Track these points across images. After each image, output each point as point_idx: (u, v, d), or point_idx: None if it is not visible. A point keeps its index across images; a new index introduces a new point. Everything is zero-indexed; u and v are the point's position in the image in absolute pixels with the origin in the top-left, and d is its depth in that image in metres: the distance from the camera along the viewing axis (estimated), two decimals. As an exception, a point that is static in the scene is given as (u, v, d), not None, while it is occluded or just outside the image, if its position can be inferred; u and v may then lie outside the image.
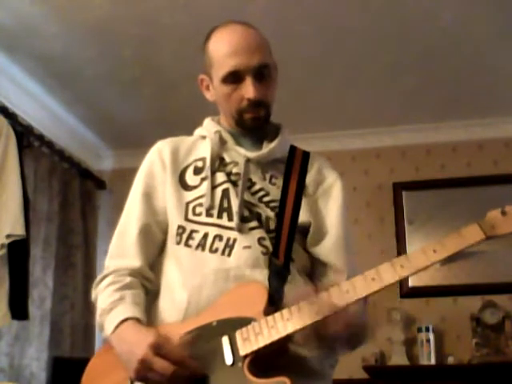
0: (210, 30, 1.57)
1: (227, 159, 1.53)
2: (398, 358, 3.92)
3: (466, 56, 3.58)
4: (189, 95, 3.92)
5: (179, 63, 3.59)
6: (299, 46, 3.45)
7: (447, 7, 3.16)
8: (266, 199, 1.48)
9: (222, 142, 1.55)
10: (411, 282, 4.07)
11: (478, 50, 3.52)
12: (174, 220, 1.49)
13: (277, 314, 1.27)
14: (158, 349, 1.26)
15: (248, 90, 1.46)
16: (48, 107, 4.05)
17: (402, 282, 3.98)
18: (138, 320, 1.37)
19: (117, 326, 1.36)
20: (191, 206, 1.48)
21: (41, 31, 3.32)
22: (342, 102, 4.11)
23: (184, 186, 1.52)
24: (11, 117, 3.56)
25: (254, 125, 1.51)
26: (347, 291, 1.25)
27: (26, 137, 3.70)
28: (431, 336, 3.91)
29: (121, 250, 1.51)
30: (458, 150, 4.37)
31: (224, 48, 1.49)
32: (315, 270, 1.50)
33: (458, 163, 4.33)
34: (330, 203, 1.52)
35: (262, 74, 1.49)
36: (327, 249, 1.48)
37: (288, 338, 1.26)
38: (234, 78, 1.47)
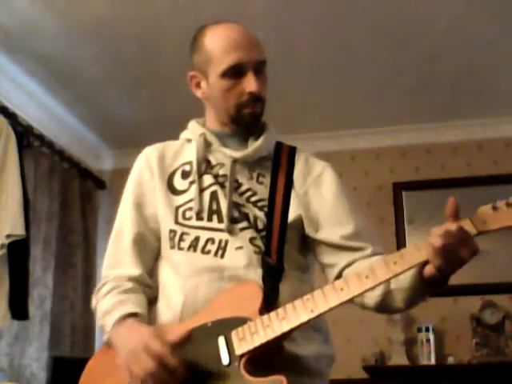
0: (201, 28, 1.56)
1: (213, 161, 1.52)
2: (398, 358, 3.92)
3: (466, 56, 3.58)
4: (189, 96, 3.93)
5: (179, 64, 3.53)
6: (299, 46, 3.45)
7: (447, 8, 3.16)
8: (253, 199, 1.47)
9: (207, 145, 1.54)
10: (411, 282, 4.06)
11: (478, 50, 3.51)
12: (166, 225, 1.48)
13: (272, 313, 1.27)
14: (152, 345, 1.25)
15: (250, 83, 1.46)
16: (48, 107, 4.05)
17: (402, 282, 3.97)
18: (139, 316, 1.37)
19: (117, 322, 1.36)
20: (181, 210, 1.48)
21: (41, 31, 3.33)
22: (341, 102, 4.11)
23: (173, 190, 1.52)
24: (11, 117, 3.56)
25: (250, 120, 1.50)
26: (341, 289, 1.25)
27: (26, 137, 3.71)
28: (431, 336, 3.91)
29: (117, 259, 1.50)
30: (458, 150, 4.36)
31: (225, 42, 1.48)
32: (328, 257, 1.47)
33: (458, 163, 4.33)
34: (323, 190, 1.50)
35: (261, 70, 1.50)
36: (338, 233, 1.45)
37: (284, 337, 1.26)
38: (235, 71, 1.47)
